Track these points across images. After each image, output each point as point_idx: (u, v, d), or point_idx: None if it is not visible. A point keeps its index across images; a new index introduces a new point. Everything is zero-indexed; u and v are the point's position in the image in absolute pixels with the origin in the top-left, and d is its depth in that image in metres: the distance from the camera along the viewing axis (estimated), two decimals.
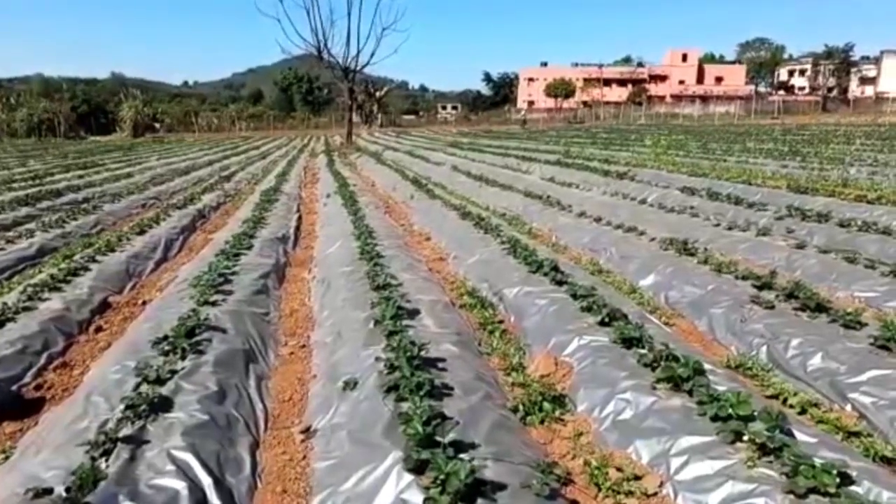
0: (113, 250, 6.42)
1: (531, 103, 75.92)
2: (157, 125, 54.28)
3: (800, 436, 2.57)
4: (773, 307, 4.17)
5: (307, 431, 3.04)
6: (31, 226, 7.86)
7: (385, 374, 3.17)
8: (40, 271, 5.88)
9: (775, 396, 3.25)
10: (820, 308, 4.02)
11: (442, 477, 2.17)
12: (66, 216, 8.58)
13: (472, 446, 2.51)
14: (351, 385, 3.25)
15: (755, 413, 2.60)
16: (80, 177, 14.48)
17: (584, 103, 69.16)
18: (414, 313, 4.21)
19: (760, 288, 4.55)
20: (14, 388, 3.52)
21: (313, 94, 78.64)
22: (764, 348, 3.76)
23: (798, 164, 12.85)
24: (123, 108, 49.16)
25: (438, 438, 2.42)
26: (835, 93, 67.30)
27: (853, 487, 2.20)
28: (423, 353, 3.31)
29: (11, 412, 3.29)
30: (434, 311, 4.33)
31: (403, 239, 7.31)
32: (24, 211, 9.18)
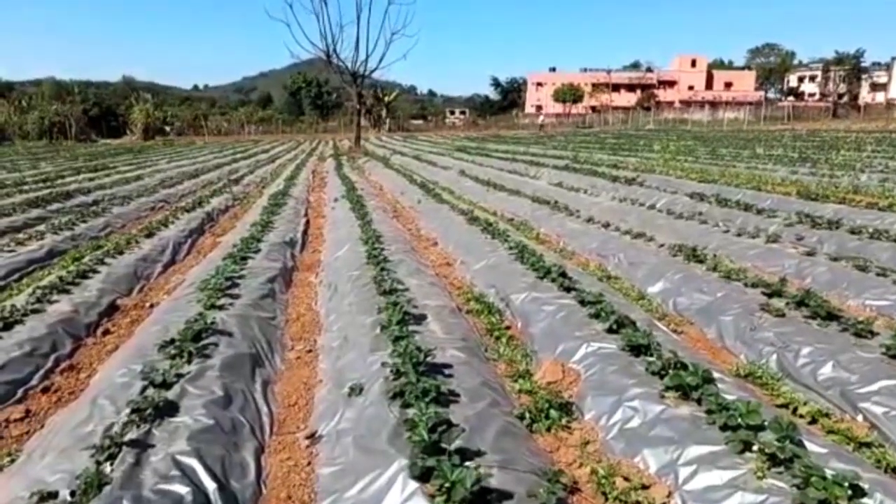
0: (122, 253, 6.44)
1: (539, 108, 75.90)
2: (168, 128, 54.53)
3: (810, 446, 2.53)
4: (783, 315, 4.13)
5: (312, 437, 3.03)
6: (42, 228, 7.91)
7: (391, 380, 3.15)
8: (49, 273, 5.91)
9: (785, 406, 3.21)
10: (831, 316, 3.97)
11: (447, 485, 2.15)
12: (76, 218, 8.63)
13: (478, 454, 2.49)
14: (357, 391, 3.24)
15: (765, 422, 2.57)
16: (91, 179, 14.56)
17: (593, 108, 69.15)
18: (420, 318, 4.19)
19: (770, 295, 4.50)
20: (21, 390, 3.53)
21: (322, 98, 78.94)
22: (774, 357, 3.72)
23: (808, 171, 12.76)
24: (134, 111, 49.54)
25: (444, 445, 2.40)
26: (845, 99, 66.83)
27: (865, 499, 2.17)
28: (429, 358, 3.30)
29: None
30: (441, 317, 4.32)
31: (410, 244, 7.30)
32: (34, 213, 9.24)
